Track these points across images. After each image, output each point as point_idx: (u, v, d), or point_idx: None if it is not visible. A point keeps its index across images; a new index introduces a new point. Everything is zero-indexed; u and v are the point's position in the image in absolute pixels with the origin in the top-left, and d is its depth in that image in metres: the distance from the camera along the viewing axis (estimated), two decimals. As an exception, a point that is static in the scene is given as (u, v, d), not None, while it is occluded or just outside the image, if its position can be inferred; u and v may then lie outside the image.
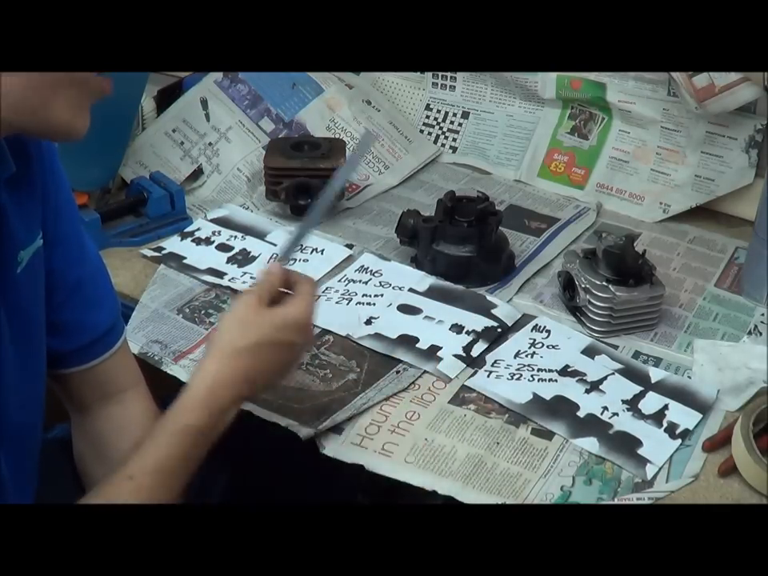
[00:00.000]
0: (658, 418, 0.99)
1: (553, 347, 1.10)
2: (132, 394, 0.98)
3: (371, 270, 1.24)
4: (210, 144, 1.47)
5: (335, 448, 0.96)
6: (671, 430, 0.98)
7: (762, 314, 1.18)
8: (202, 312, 1.16)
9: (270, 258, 1.24)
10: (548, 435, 0.97)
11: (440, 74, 1.61)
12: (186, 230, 1.33)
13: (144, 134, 1.48)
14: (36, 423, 0.89)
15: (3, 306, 0.77)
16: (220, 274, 1.23)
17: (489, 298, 1.18)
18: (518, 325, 1.14)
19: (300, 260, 1.26)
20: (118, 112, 1.33)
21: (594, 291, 1.12)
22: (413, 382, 1.04)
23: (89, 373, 0.94)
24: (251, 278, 1.22)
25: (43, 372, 0.88)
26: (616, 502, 0.90)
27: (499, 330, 1.12)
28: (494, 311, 1.15)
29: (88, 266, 0.93)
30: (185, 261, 1.26)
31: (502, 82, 1.55)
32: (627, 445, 0.96)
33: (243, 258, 1.27)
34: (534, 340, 1.11)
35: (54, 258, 0.86)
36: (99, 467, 0.96)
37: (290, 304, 0.88)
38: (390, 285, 1.21)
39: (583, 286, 1.13)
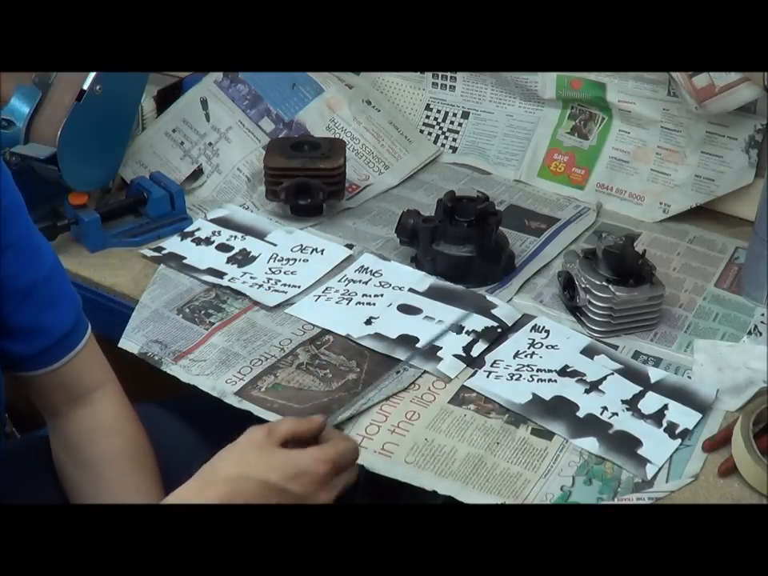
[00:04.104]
0: (657, 417, 0.99)
1: (552, 347, 1.10)
2: (100, 394, 0.97)
3: (371, 270, 1.24)
4: (210, 144, 1.47)
5: (335, 448, 0.95)
6: (671, 429, 0.98)
7: (762, 314, 1.18)
8: (202, 312, 1.16)
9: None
10: (548, 435, 0.97)
11: (440, 74, 1.61)
12: (186, 230, 1.33)
13: (144, 134, 1.48)
14: None
15: None
16: (220, 274, 1.23)
17: (489, 297, 1.18)
18: (518, 325, 1.14)
19: (300, 260, 1.26)
20: (118, 112, 1.33)
21: (594, 291, 1.12)
22: (413, 382, 1.04)
23: (53, 375, 0.93)
24: (251, 277, 1.22)
25: None
26: (616, 501, 0.89)
27: (499, 330, 1.12)
28: (494, 311, 1.15)
29: (42, 269, 0.91)
30: (185, 261, 1.26)
31: (501, 82, 1.55)
32: (627, 445, 0.95)
33: (243, 258, 1.27)
34: (534, 340, 1.11)
35: (5, 264, 0.85)
36: (74, 471, 0.96)
37: (305, 450, 0.81)
38: (390, 285, 1.21)
39: (583, 285, 1.13)
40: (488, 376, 1.05)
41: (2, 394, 0.89)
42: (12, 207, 0.87)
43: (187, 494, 0.78)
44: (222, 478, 0.79)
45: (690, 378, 1.06)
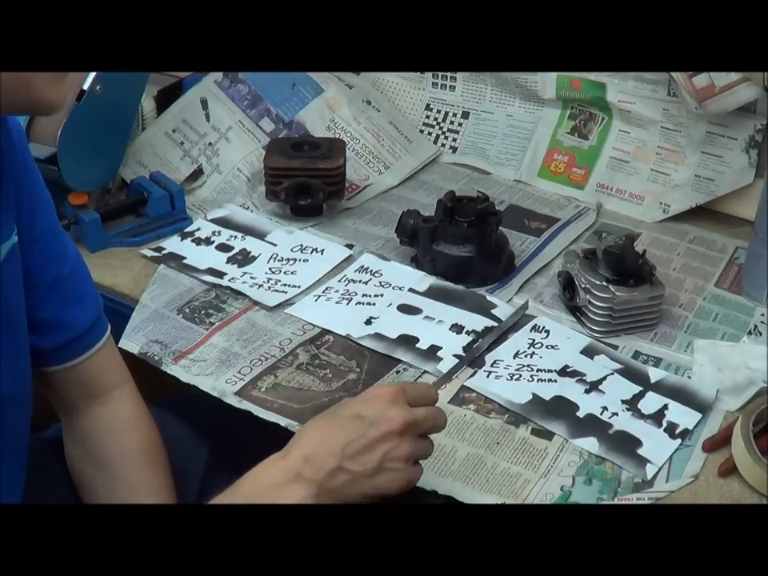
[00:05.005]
0: (657, 417, 0.99)
1: (552, 347, 1.10)
2: (118, 393, 0.98)
3: (371, 270, 1.24)
4: (210, 144, 1.47)
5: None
6: (671, 429, 0.98)
7: (762, 314, 1.18)
8: (202, 312, 1.16)
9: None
10: (548, 435, 0.97)
11: (440, 74, 1.61)
12: (186, 230, 1.33)
13: (144, 134, 1.48)
14: (24, 422, 0.88)
15: None
16: (220, 274, 1.23)
17: (489, 297, 1.18)
18: (518, 325, 1.14)
19: (300, 260, 1.26)
20: (118, 112, 1.33)
21: (594, 291, 1.12)
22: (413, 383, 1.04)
23: (72, 371, 0.94)
24: (251, 277, 1.22)
25: (29, 369, 0.87)
26: (616, 501, 0.90)
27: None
28: (494, 311, 1.15)
29: (67, 264, 0.93)
30: (185, 261, 1.26)
31: (502, 82, 1.55)
32: (627, 445, 0.96)
33: (243, 258, 1.27)
34: (534, 340, 1.11)
35: (32, 256, 0.86)
36: (89, 469, 0.96)
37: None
38: (390, 285, 1.21)
39: (583, 285, 1.13)
40: (488, 376, 1.05)
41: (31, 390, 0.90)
42: (43, 201, 0.89)
43: (271, 463, 0.80)
44: (300, 433, 0.81)
45: (690, 377, 1.06)
